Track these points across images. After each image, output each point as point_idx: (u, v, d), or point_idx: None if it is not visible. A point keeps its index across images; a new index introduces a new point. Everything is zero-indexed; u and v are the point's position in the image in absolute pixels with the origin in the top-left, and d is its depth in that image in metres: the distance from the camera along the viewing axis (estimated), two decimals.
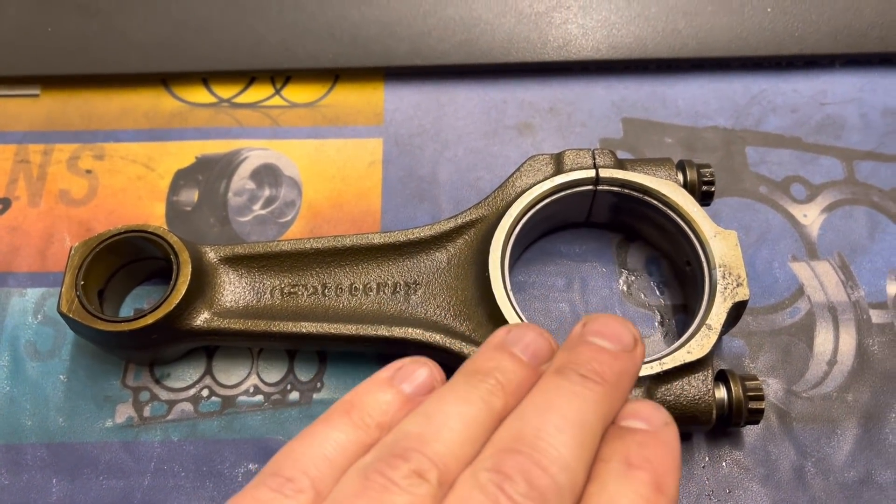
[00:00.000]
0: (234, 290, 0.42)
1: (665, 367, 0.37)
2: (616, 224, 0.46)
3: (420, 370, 0.28)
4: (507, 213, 0.42)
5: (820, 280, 0.45)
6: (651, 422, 0.27)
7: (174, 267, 0.40)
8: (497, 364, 0.28)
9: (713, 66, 0.53)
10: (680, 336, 0.41)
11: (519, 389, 0.27)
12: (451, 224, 0.43)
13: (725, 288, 0.39)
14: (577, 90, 0.52)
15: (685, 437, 0.41)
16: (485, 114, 0.52)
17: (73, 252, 0.41)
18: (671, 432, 0.27)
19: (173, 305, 0.39)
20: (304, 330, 0.40)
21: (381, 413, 0.27)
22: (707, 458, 0.40)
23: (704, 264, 0.41)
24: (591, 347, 0.28)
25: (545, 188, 0.42)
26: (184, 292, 0.40)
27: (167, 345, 0.41)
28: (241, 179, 0.49)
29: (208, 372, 0.43)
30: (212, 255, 0.42)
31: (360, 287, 0.42)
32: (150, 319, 0.39)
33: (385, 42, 0.52)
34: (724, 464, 0.40)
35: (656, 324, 0.44)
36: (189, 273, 0.40)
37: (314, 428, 0.26)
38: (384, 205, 0.48)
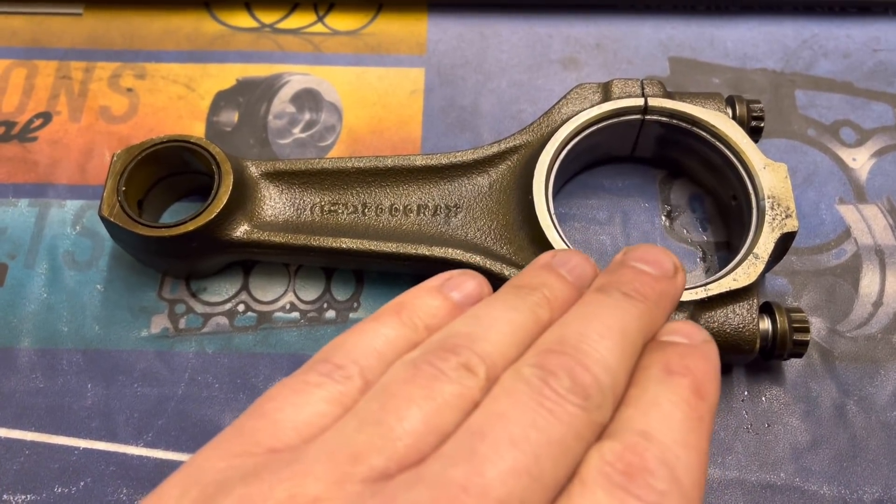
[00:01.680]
0: (274, 204, 0.42)
1: (710, 293, 0.37)
2: (660, 159, 0.46)
3: (469, 281, 0.29)
4: (553, 138, 0.41)
5: (867, 223, 0.44)
6: (691, 337, 0.27)
7: (216, 177, 0.40)
8: (544, 281, 0.28)
9: (763, 8, 0.52)
10: None
11: (564, 305, 0.27)
12: (494, 149, 0.42)
13: (774, 219, 0.39)
14: (623, 28, 0.51)
15: (725, 369, 0.40)
16: (529, 48, 0.51)
17: (115, 158, 0.40)
18: (711, 348, 0.27)
19: (214, 214, 0.39)
20: (344, 246, 0.40)
21: (430, 316, 0.27)
22: (746, 392, 0.40)
23: (752, 196, 0.40)
24: (633, 270, 0.28)
25: (592, 114, 0.42)
26: (225, 201, 0.39)
27: (206, 255, 0.41)
28: (282, 103, 0.48)
29: (244, 288, 0.43)
30: (253, 169, 0.42)
31: (401, 208, 0.42)
32: (190, 226, 0.39)
33: None
34: (763, 398, 0.39)
35: (698, 259, 0.43)
36: (231, 183, 0.40)
37: (364, 324, 0.27)
38: (425, 133, 0.48)
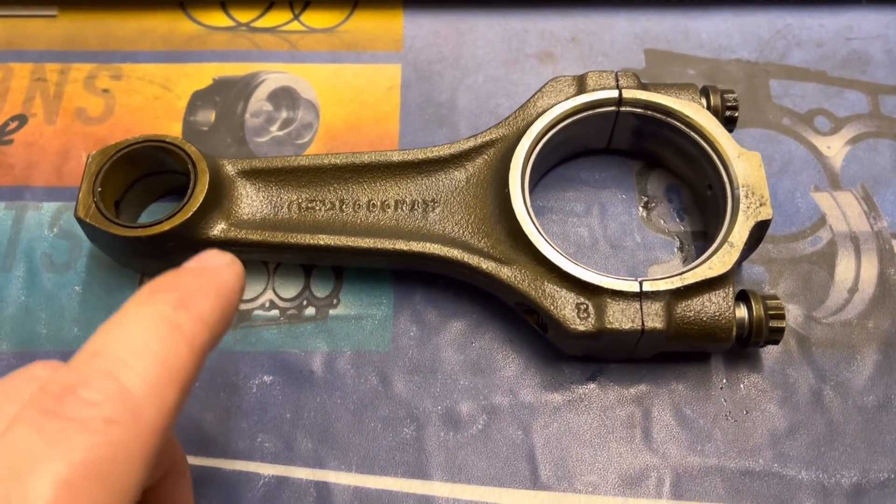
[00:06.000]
0: (251, 202, 0.42)
1: (685, 283, 0.37)
2: (637, 150, 0.46)
3: None
4: (529, 131, 0.41)
5: (842, 210, 0.45)
6: (205, 261, 0.27)
7: (192, 176, 0.40)
8: None
9: None
10: None
11: None
12: (471, 143, 0.43)
13: (748, 207, 0.39)
14: (598, 21, 0.52)
15: (704, 357, 0.40)
16: (505, 43, 0.51)
17: (90, 160, 0.40)
18: (226, 271, 0.27)
19: (191, 213, 0.39)
20: (321, 242, 0.40)
21: None
22: (725, 380, 0.40)
23: (727, 185, 0.40)
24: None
25: (567, 107, 0.42)
26: (201, 200, 0.39)
27: (183, 254, 0.40)
28: (259, 101, 0.48)
29: None
30: (229, 167, 0.42)
31: (378, 203, 0.42)
32: (166, 226, 0.39)
33: None
34: (741, 385, 0.40)
35: (675, 249, 0.43)
36: (207, 182, 0.40)
37: None
38: (402, 129, 0.48)
